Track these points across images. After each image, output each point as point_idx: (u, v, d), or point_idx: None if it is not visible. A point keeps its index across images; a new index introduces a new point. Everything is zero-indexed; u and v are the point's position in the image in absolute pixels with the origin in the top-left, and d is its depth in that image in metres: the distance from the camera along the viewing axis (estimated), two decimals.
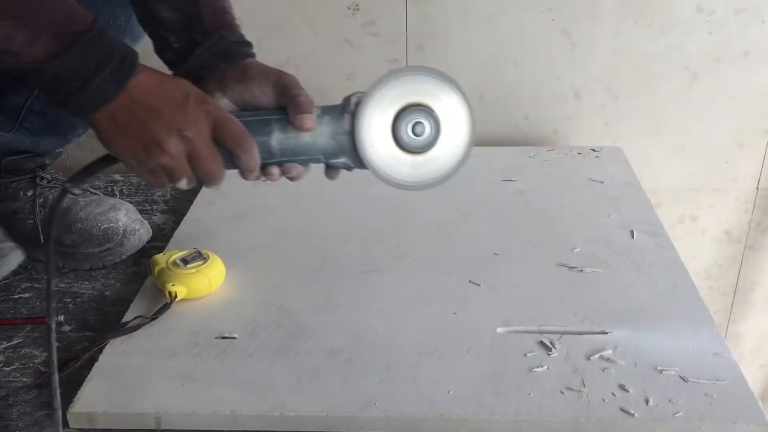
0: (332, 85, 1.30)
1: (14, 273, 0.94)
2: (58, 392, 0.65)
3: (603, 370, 0.72)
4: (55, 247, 0.93)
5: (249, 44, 0.77)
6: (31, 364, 0.77)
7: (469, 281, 0.87)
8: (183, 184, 0.68)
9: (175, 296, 0.82)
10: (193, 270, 0.84)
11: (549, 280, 0.87)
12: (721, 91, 1.27)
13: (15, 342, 0.80)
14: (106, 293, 0.90)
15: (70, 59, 0.61)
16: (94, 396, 0.70)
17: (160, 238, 1.00)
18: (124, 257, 0.95)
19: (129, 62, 0.65)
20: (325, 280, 0.88)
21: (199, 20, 0.75)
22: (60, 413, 0.65)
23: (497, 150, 1.24)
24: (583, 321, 0.79)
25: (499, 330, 0.78)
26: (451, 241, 0.96)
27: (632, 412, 0.67)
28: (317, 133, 0.69)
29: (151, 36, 0.79)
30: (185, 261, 0.85)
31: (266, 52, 1.29)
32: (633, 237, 0.95)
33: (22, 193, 0.96)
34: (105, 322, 0.83)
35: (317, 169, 0.72)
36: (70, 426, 0.68)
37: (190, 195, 1.08)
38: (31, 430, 0.68)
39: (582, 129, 1.32)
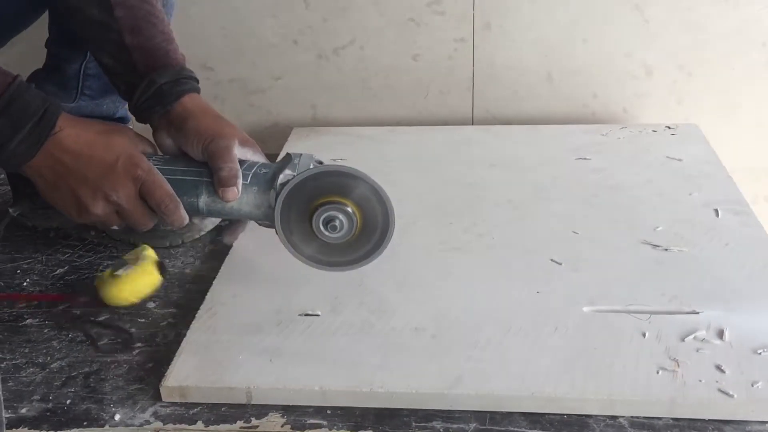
0: (397, 65, 1.29)
1: (95, 252, 0.95)
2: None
3: (697, 351, 0.70)
4: None
5: (184, 81, 0.78)
6: (120, 339, 0.78)
7: (551, 260, 0.85)
8: (115, 227, 0.74)
9: None
10: None
11: (633, 259, 0.85)
12: None
13: (102, 318, 0.82)
14: (186, 271, 0.90)
15: None
16: (185, 370, 0.71)
17: None
18: (202, 233, 0.97)
19: (46, 122, 0.67)
20: (403, 257, 0.87)
21: (132, 65, 0.78)
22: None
23: (566, 128, 1.22)
24: (671, 300, 0.77)
25: (585, 309, 0.77)
26: (528, 219, 0.94)
27: (731, 393, 0.65)
28: (243, 201, 0.73)
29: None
30: None
31: (331, 32, 1.30)
32: (718, 216, 0.92)
33: None
34: (187, 299, 0.84)
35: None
36: (163, 399, 0.69)
37: None
38: (125, 404, 0.69)
39: (652, 107, 1.29)
